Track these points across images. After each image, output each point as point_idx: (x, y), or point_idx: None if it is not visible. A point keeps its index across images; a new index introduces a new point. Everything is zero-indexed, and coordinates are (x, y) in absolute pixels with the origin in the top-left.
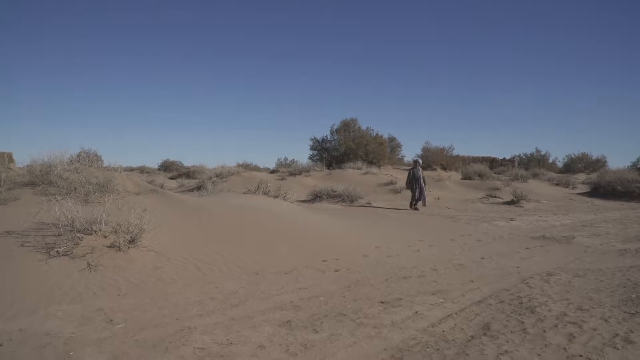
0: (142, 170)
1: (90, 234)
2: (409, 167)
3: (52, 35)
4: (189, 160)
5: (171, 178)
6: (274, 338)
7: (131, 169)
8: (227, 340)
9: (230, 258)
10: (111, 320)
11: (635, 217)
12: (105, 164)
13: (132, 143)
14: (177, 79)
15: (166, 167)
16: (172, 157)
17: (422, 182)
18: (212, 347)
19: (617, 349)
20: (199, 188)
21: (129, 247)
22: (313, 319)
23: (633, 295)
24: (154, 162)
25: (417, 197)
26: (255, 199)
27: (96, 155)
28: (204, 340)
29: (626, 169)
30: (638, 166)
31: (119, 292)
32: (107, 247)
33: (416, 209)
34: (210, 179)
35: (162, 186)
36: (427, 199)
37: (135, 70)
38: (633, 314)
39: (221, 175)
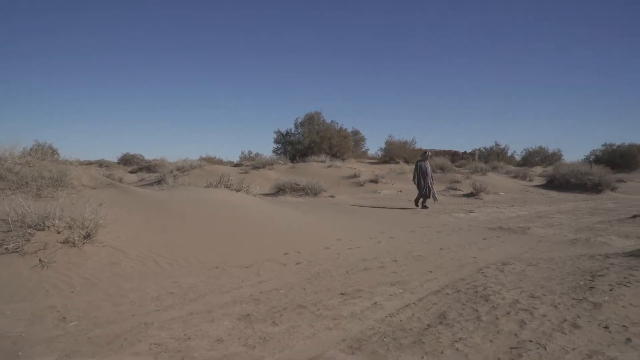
0: (100, 164)
1: (43, 230)
2: (417, 160)
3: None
4: (150, 154)
5: (131, 172)
6: (233, 331)
7: (89, 163)
8: (185, 335)
9: (190, 252)
10: (64, 318)
11: (587, 208)
12: (61, 157)
13: (90, 136)
14: (139, 72)
15: (126, 160)
16: (133, 151)
17: (431, 176)
18: (169, 342)
19: (565, 334)
20: (159, 182)
21: (84, 243)
22: (273, 311)
23: (581, 282)
24: (113, 156)
25: (424, 193)
26: (217, 192)
27: (51, 148)
28: (161, 336)
29: (580, 162)
30: (591, 160)
31: (73, 289)
32: (61, 243)
33: (425, 207)
34: (172, 172)
35: (120, 180)
36: (389, 192)
37: (95, 62)
38: (581, 300)
39: (183, 168)
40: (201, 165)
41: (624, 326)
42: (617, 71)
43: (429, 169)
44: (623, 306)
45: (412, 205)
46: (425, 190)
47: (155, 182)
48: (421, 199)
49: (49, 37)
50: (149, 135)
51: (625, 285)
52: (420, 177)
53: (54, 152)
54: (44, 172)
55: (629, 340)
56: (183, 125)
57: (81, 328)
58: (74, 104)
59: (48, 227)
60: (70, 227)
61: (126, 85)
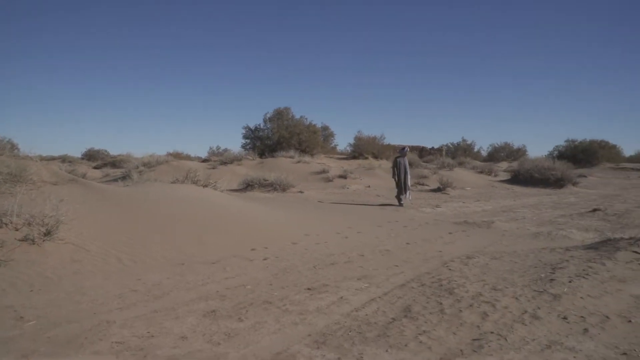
0: (64, 159)
1: (0, 227)
2: (395, 156)
3: None
4: (115, 149)
5: (96, 167)
6: (197, 328)
7: (52, 158)
8: (148, 332)
9: (155, 249)
10: (21, 317)
11: (550, 202)
12: (21, 152)
13: (53, 131)
14: (105, 67)
15: (90, 156)
16: (98, 146)
17: (408, 173)
18: (131, 340)
19: (525, 325)
20: (124, 177)
21: (44, 240)
22: (238, 307)
23: (542, 275)
24: (77, 151)
25: (404, 190)
26: (183, 188)
27: (11, 143)
28: (123, 334)
29: (543, 157)
30: (554, 155)
31: (32, 288)
32: (20, 240)
33: (401, 204)
34: (137, 168)
35: (84, 176)
36: (358, 187)
37: (59, 56)
38: (541, 292)
39: (149, 164)
40: (168, 161)
41: (582, 317)
42: (579, 69)
43: (408, 166)
44: (581, 297)
45: (381, 200)
46: (405, 187)
47: (120, 178)
48: (403, 196)
49: (5, 30)
50: (115, 131)
51: (583, 277)
52: (400, 173)
53: (13, 146)
54: (1, 168)
55: (586, 330)
56: (150, 120)
57: (40, 327)
58: (37, 98)
59: (5, 224)
60: (29, 224)
61: (91, 79)
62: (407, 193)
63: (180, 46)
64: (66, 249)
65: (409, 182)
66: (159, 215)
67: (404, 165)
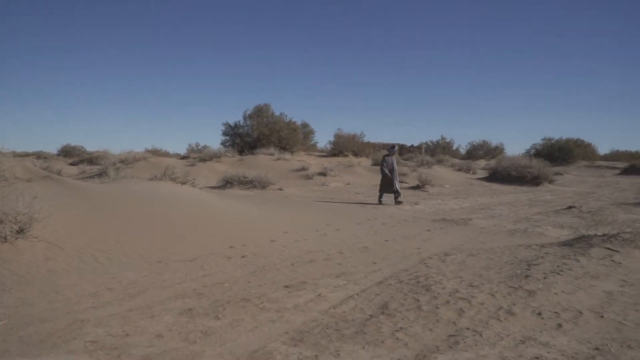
0: (38, 155)
1: None
2: (383, 154)
3: None
4: (92, 146)
5: (72, 164)
6: (174, 327)
7: (26, 155)
8: (123, 331)
9: (132, 247)
10: None
11: (526, 199)
12: None
13: (27, 127)
14: (84, 62)
15: (66, 152)
16: (74, 142)
17: (396, 172)
18: (105, 339)
19: (501, 321)
20: (100, 174)
21: (16, 238)
22: (216, 305)
23: (518, 271)
24: (53, 148)
25: (390, 190)
26: (161, 185)
27: None
28: (97, 333)
29: (521, 155)
30: (531, 153)
31: (3, 286)
32: None
33: (381, 202)
34: (114, 164)
35: (59, 172)
36: (338, 185)
37: (36, 50)
38: (516, 288)
39: (126, 161)
40: (146, 158)
41: (556, 312)
42: (556, 70)
43: (395, 164)
44: (555, 293)
45: (360, 198)
46: (393, 186)
47: (96, 175)
48: (385, 194)
49: None
50: (92, 127)
51: (558, 274)
52: (387, 172)
53: None
54: None
55: (559, 325)
56: (129, 117)
57: (11, 327)
58: (10, 93)
59: None
60: (1, 222)
61: (68, 74)
62: (398, 192)
63: (160, 42)
64: (40, 246)
65: (397, 182)
66: (135, 212)
67: (391, 163)
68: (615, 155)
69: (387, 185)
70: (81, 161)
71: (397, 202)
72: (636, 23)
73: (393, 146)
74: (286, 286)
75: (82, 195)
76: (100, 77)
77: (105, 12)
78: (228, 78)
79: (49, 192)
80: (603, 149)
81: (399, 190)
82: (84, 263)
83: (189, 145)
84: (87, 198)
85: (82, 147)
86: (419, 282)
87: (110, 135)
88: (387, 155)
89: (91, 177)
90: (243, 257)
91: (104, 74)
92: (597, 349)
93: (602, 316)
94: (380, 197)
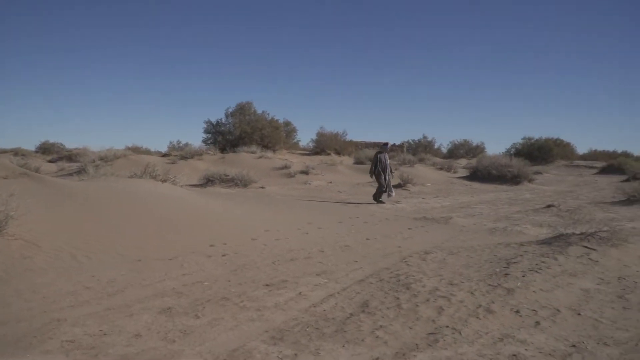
0: (16, 152)
1: None
2: (376, 152)
3: None
4: (72, 143)
5: (50, 161)
6: (152, 326)
7: (3, 151)
8: (101, 330)
9: (111, 245)
10: None
11: (506, 198)
12: None
13: (5, 123)
14: (63, 58)
15: (45, 149)
16: (53, 139)
17: (389, 170)
18: (82, 338)
19: (480, 319)
20: (80, 172)
21: None
22: (195, 304)
23: (497, 269)
24: (31, 144)
25: (385, 189)
26: (141, 183)
27: None
28: (74, 332)
29: (501, 155)
30: (511, 152)
31: None
32: None
33: (381, 201)
34: (94, 162)
35: (37, 170)
36: (320, 183)
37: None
38: (495, 286)
39: (106, 158)
40: (126, 155)
41: (534, 310)
42: (536, 68)
43: (389, 162)
44: (534, 291)
45: (342, 196)
46: (387, 184)
47: (75, 172)
48: (385, 193)
49: None
50: (72, 124)
51: (536, 272)
52: (380, 170)
53: None
54: None
55: (537, 323)
56: (109, 113)
57: None
58: None
59: None
60: None
61: (48, 70)
62: (390, 190)
63: (142, 39)
64: (16, 245)
65: (391, 179)
66: (115, 210)
67: (384, 161)
68: (593, 155)
69: (382, 185)
70: (60, 158)
71: (388, 196)
72: (612, 22)
73: (386, 143)
74: (267, 285)
75: (60, 193)
76: (80, 73)
77: (82, 12)
78: (210, 76)
79: (26, 190)
80: (581, 149)
81: (391, 189)
82: (62, 261)
83: (171, 142)
84: (66, 196)
85: (61, 144)
86: (399, 280)
87: (91, 132)
88: (380, 152)
89: (70, 174)
90: (224, 255)
91: (85, 71)
92: (574, 346)
93: (579, 314)
94: (379, 196)
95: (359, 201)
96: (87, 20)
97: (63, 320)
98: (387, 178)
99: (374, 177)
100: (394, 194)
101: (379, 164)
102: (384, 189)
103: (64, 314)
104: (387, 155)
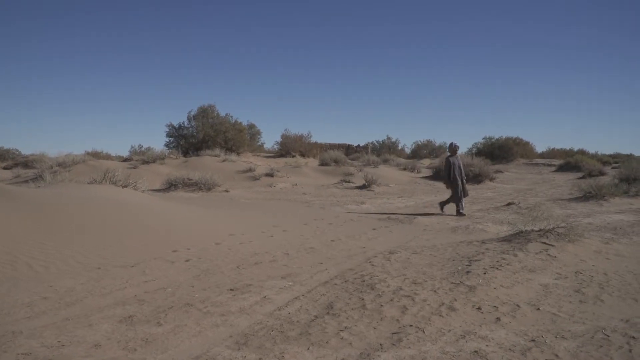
0: None
1: None
2: (446, 156)
3: None
4: (28, 149)
5: (5, 168)
6: (113, 335)
7: None
8: (59, 342)
9: (69, 254)
10: None
11: (468, 197)
12: None
13: None
14: (20, 60)
15: None
16: (8, 145)
17: (463, 174)
18: (39, 351)
19: (442, 317)
20: (36, 178)
21: None
22: (157, 311)
23: (460, 267)
24: None
25: (461, 195)
26: (100, 189)
27: None
28: (31, 345)
29: (463, 154)
30: (473, 152)
31: None
32: None
33: (461, 214)
34: (51, 168)
35: None
36: (285, 185)
37: None
38: (458, 284)
39: (64, 164)
40: (85, 161)
41: (495, 306)
42: (495, 69)
43: (462, 166)
44: (495, 288)
45: (307, 198)
46: (462, 190)
47: (31, 179)
48: (459, 202)
49: None
50: (28, 129)
51: (497, 269)
52: (457, 175)
53: None
54: None
55: (498, 319)
56: (68, 118)
57: None
58: None
59: None
60: None
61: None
62: (464, 196)
63: (99, 40)
64: None
65: (466, 187)
66: (73, 217)
67: (458, 165)
68: (551, 153)
69: (458, 191)
70: (15, 165)
71: (459, 214)
72: (562, 20)
73: (452, 144)
74: (231, 289)
75: (15, 200)
76: (37, 77)
77: (49, 8)
78: (172, 79)
79: None
80: (540, 147)
81: (466, 193)
82: (18, 272)
83: (132, 147)
84: (21, 203)
85: (17, 150)
86: (364, 281)
87: (48, 137)
88: (450, 156)
89: (26, 181)
90: (187, 260)
91: (42, 74)
92: (533, 340)
93: (538, 309)
94: (458, 206)
95: (324, 203)
96: (36, 22)
97: (18, 332)
98: (463, 185)
99: (449, 186)
100: (464, 208)
101: (453, 169)
102: (461, 194)
103: (20, 326)
104: (459, 159)
